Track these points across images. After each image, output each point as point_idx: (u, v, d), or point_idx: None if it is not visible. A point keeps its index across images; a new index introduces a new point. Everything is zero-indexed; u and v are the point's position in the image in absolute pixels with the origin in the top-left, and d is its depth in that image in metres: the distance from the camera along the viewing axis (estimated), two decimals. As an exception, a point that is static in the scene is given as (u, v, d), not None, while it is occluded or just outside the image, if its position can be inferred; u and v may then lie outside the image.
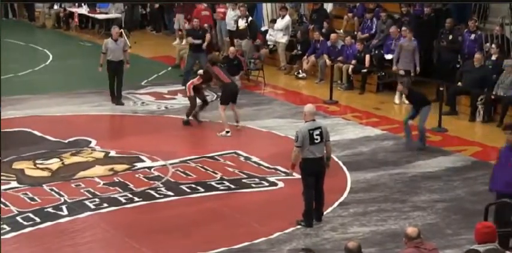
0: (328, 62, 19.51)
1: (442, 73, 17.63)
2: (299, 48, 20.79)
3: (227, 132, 15.24)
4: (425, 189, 12.61)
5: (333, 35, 20.03)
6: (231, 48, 19.29)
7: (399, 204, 11.94)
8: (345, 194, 12.31)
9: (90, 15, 26.22)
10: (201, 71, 16.25)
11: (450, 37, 18.06)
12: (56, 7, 27.58)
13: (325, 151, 11.12)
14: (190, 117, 15.93)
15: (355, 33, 20.58)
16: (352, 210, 11.64)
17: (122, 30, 24.35)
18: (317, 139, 10.88)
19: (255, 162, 13.69)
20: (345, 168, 13.46)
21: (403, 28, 18.30)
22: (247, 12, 21.14)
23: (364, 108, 17.44)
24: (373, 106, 17.73)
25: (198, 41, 19.05)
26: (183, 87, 17.99)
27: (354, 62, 18.93)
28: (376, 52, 19.35)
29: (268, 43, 21.61)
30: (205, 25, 20.66)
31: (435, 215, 11.56)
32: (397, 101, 17.81)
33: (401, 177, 13.14)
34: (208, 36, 19.60)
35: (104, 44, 17.55)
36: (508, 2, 18.78)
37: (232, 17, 21.65)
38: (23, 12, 29.23)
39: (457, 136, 15.60)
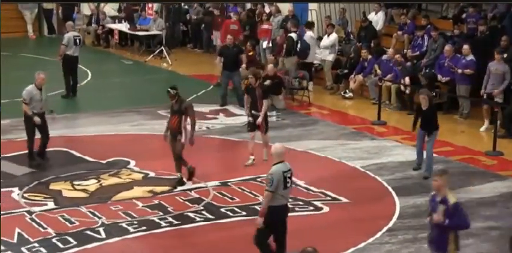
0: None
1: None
2: (347, 66, 20.29)
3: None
4: (479, 215, 12.13)
5: (390, 50, 19.35)
6: (270, 66, 18.63)
7: (451, 231, 11.47)
8: (393, 220, 11.90)
9: (130, 32, 26.00)
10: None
11: (505, 55, 17.36)
12: (93, 25, 27.49)
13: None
14: None
15: (405, 51, 20.12)
16: (401, 236, 11.24)
17: (162, 47, 24.29)
18: (289, 182, 9.86)
19: (299, 185, 13.24)
20: (393, 193, 13.05)
21: (464, 46, 17.69)
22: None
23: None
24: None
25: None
26: (224, 107, 17.90)
27: (407, 79, 18.41)
28: (427, 71, 18.80)
29: (314, 61, 21.19)
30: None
31: (489, 243, 11.15)
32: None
33: (453, 203, 12.67)
34: (244, 57, 19.09)
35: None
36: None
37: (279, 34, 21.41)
38: (62, 29, 29.23)
39: (513, 160, 15.10)
